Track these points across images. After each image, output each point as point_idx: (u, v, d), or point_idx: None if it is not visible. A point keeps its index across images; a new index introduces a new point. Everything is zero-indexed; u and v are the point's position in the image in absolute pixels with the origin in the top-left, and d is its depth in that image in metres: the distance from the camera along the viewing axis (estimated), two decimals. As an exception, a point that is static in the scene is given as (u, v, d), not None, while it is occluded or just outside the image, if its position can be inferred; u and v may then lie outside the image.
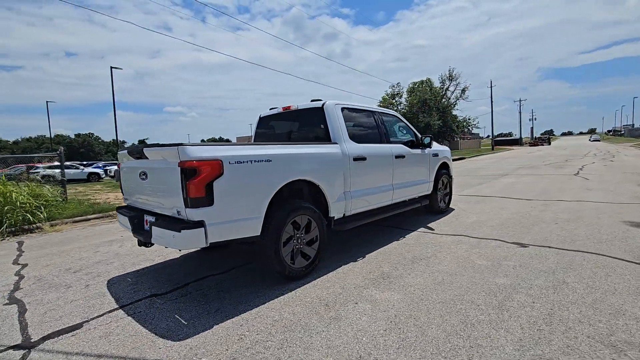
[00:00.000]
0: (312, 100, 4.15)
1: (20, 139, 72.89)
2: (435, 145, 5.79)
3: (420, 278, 3.16)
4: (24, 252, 4.87)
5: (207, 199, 2.61)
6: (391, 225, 5.25)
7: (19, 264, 4.27)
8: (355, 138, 4.12)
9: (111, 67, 25.21)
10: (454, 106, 41.50)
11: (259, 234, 2.98)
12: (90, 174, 25.51)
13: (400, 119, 5.25)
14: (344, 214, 3.87)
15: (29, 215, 6.36)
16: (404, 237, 4.56)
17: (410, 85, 42.26)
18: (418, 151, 5.19)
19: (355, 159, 3.92)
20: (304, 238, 3.36)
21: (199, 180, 2.56)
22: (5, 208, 6.22)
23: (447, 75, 41.24)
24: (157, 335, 2.40)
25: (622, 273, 3.02)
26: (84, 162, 32.08)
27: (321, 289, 3.03)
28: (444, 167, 6.05)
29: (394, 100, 45.24)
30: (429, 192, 5.56)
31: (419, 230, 4.89)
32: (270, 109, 4.69)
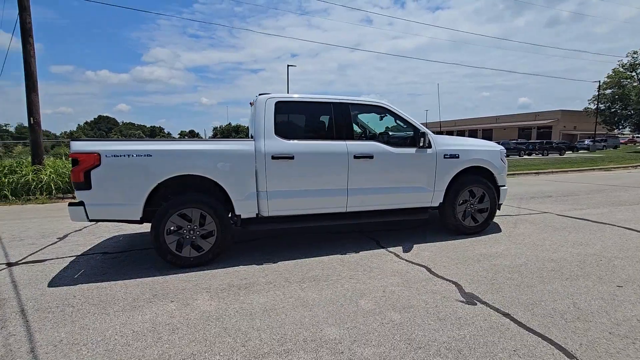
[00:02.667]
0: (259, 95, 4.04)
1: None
2: (455, 143, 4.35)
3: (276, 299, 2.76)
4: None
5: (85, 184, 3.23)
6: (367, 235, 4.46)
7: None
8: (288, 134, 3.77)
9: (288, 65, 30.01)
10: None
11: (138, 218, 3.40)
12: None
13: (389, 110, 4.22)
14: (258, 214, 3.70)
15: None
16: (350, 253, 3.83)
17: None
18: (408, 150, 4.09)
19: (275, 157, 3.63)
20: (197, 230, 3.51)
21: (78, 169, 3.21)
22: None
23: None
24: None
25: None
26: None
27: (175, 281, 3.15)
28: (479, 173, 4.44)
29: (633, 73, 33.48)
30: (433, 204, 4.29)
31: (387, 248, 3.96)
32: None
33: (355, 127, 4.36)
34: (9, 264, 3.72)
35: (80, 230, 5.17)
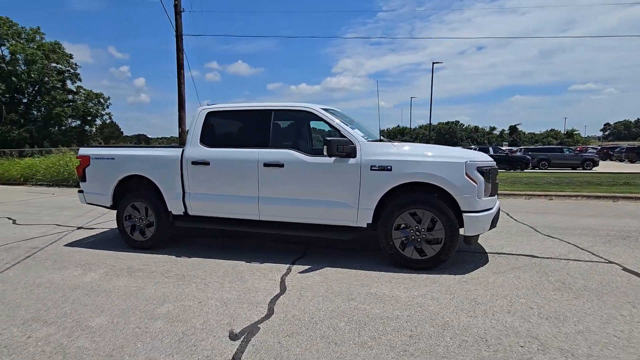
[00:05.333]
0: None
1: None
2: (395, 152, 3.43)
3: (130, 284, 3.27)
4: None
5: (82, 178, 4.58)
6: (303, 249, 4.09)
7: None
8: (213, 142, 4.05)
9: (433, 63, 28.08)
10: None
11: (109, 205, 4.50)
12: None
13: (314, 115, 3.75)
14: (185, 212, 4.16)
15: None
16: (254, 263, 3.74)
17: None
18: (325, 160, 3.57)
19: (194, 163, 4.01)
20: (144, 220, 4.33)
21: (79, 166, 4.59)
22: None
23: None
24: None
25: None
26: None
27: (112, 257, 4.04)
28: (436, 192, 3.35)
29: None
30: (360, 224, 3.56)
31: (292, 265, 3.62)
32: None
33: (290, 132, 4.15)
34: (70, 228, 5.64)
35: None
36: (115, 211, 4.45)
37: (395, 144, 3.65)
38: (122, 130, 70.40)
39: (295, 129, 4.20)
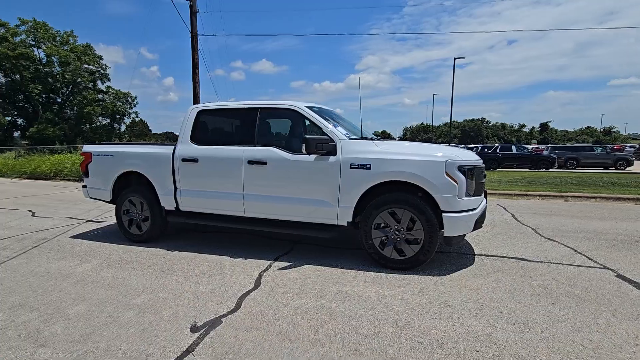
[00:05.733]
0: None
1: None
2: (375, 150, 3.39)
3: (116, 275, 3.44)
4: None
5: (85, 173, 4.83)
6: (290, 245, 4.12)
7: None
8: (203, 139, 4.16)
9: (454, 58, 27.28)
10: None
11: (109, 200, 4.72)
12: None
13: (298, 113, 3.76)
14: (177, 208, 4.30)
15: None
16: (238, 258, 3.81)
17: None
18: (306, 158, 3.58)
19: (184, 160, 4.13)
20: (140, 215, 4.52)
21: (83, 162, 4.84)
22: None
23: None
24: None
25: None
26: (473, 145, 30.95)
27: (109, 249, 4.26)
28: (416, 191, 3.29)
29: None
30: (340, 222, 3.55)
31: (273, 261, 3.66)
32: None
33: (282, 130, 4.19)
34: (82, 220, 5.95)
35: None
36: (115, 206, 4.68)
37: (377, 142, 3.61)
38: (150, 128, 73.25)
39: (278, 127, 4.24)
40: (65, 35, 32.85)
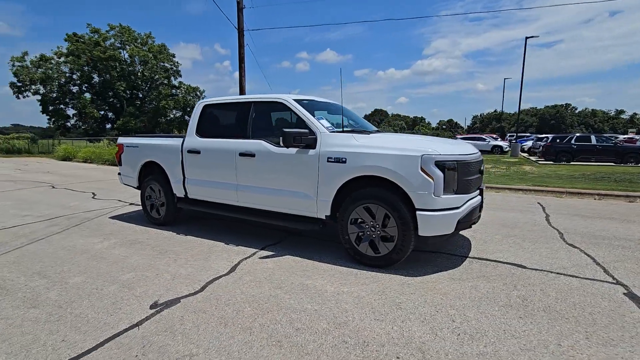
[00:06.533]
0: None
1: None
2: (353, 144, 3.28)
3: (116, 254, 3.93)
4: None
5: (119, 162, 5.50)
6: (291, 235, 4.20)
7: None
8: (206, 132, 4.44)
9: (526, 37, 24.41)
10: None
11: (136, 186, 5.31)
12: (494, 146, 27.73)
13: (285, 105, 3.77)
14: (185, 195, 4.68)
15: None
16: (230, 245, 4.03)
17: None
18: (289, 151, 3.61)
19: (189, 152, 4.47)
20: (158, 200, 5.02)
21: (117, 152, 5.51)
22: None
23: None
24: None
25: None
26: (544, 136, 27.06)
27: (131, 230, 4.82)
28: (389, 186, 3.13)
29: None
30: (319, 215, 3.53)
31: (260, 250, 3.81)
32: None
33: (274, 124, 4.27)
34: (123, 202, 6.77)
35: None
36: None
37: (358, 135, 3.50)
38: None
39: (269, 120, 4.31)
40: (144, 36, 36.75)
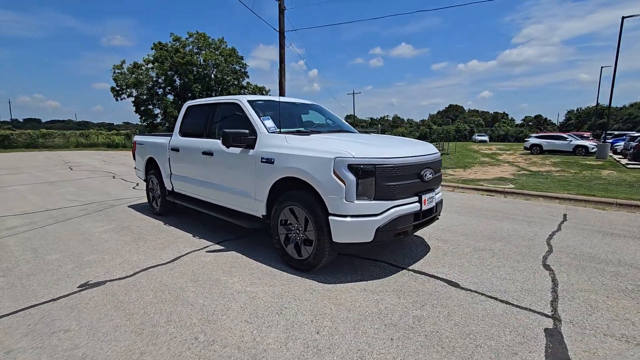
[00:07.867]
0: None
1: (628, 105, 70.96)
2: (285, 145, 3.26)
3: (108, 241, 4.52)
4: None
5: (134, 157, 6.23)
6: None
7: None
8: (186, 132, 4.81)
9: (622, 17, 20.49)
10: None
11: (143, 179, 5.97)
12: (577, 146, 24.07)
13: (239, 107, 3.87)
14: (172, 189, 5.13)
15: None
16: (214, 245, 4.32)
17: None
18: (232, 150, 3.74)
19: (172, 149, 4.89)
20: (156, 191, 5.59)
21: (133, 149, 6.25)
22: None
23: None
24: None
25: None
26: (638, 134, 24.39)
27: (136, 220, 5.46)
28: (307, 189, 3.05)
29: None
30: (259, 213, 3.58)
31: (236, 241, 4.01)
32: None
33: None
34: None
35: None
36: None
37: (290, 136, 3.45)
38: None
39: (229, 120, 4.44)
40: (218, 42, 40.13)
